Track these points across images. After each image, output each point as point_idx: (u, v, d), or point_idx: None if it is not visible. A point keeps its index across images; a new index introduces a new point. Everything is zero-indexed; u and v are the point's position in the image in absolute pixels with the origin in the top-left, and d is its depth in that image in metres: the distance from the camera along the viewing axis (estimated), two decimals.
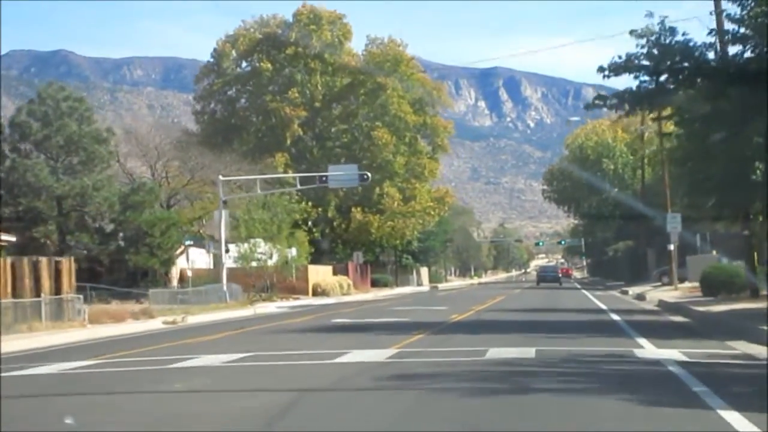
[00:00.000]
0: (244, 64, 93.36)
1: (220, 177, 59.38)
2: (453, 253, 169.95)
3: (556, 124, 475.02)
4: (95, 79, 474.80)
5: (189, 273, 64.14)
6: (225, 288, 56.84)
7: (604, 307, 42.46)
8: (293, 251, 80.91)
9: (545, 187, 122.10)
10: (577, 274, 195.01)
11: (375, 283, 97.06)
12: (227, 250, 62.81)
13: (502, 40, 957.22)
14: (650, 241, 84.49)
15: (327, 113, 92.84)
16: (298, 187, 60.80)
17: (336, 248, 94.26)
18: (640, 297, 53.97)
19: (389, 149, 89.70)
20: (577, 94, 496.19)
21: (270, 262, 68.99)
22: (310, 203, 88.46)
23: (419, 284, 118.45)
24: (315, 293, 74.89)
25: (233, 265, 71.74)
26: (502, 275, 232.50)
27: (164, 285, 66.19)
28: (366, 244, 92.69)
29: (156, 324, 38.00)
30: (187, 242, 61.99)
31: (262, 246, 69.14)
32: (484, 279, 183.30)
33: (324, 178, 57.08)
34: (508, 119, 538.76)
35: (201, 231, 74.70)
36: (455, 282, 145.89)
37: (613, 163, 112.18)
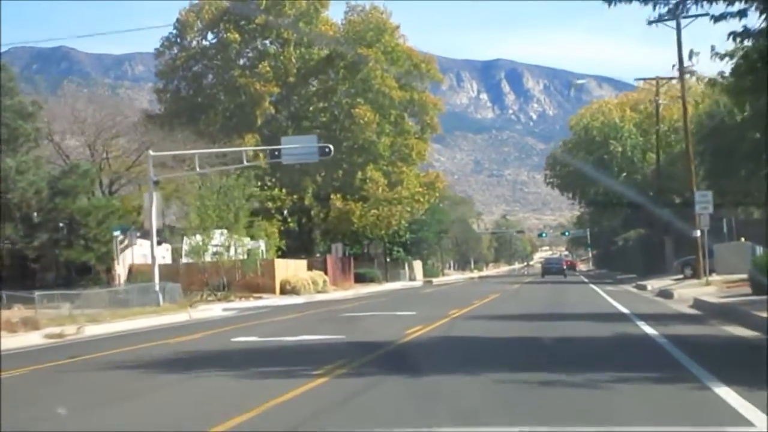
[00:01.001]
0: (209, 35, 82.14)
1: (150, 152, 48.06)
2: (452, 245, 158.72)
3: (558, 116, 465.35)
4: (96, 75, 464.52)
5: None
6: (157, 288, 45.68)
7: (624, 310, 31.29)
8: (261, 243, 70.01)
9: (548, 171, 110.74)
10: (582, 267, 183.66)
11: (360, 279, 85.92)
12: (160, 242, 51.77)
13: (504, 32, 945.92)
14: (667, 228, 73.29)
15: (302, 89, 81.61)
16: (246, 163, 48.91)
17: (315, 240, 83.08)
18: (665, 294, 42.79)
19: (372, 129, 78.56)
20: (578, 90, 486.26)
21: (227, 256, 58.01)
22: (284, 190, 77.59)
23: (412, 279, 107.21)
24: (283, 291, 63.85)
25: (186, 260, 61.19)
26: (504, 268, 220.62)
27: (107, 284, 55.45)
28: (347, 235, 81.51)
29: (34, 338, 27.47)
30: (116, 232, 50.83)
31: (218, 237, 58.18)
32: (485, 272, 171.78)
33: (276, 153, 45.65)
34: (510, 111, 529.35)
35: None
36: (453, 276, 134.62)
37: (621, 144, 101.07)
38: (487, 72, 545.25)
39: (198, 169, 46.81)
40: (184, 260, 62.04)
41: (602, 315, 28.92)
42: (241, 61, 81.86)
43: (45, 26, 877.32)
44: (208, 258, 58.14)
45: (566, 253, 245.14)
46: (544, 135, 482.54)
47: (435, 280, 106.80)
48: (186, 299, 49.82)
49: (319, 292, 66.53)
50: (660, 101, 72.74)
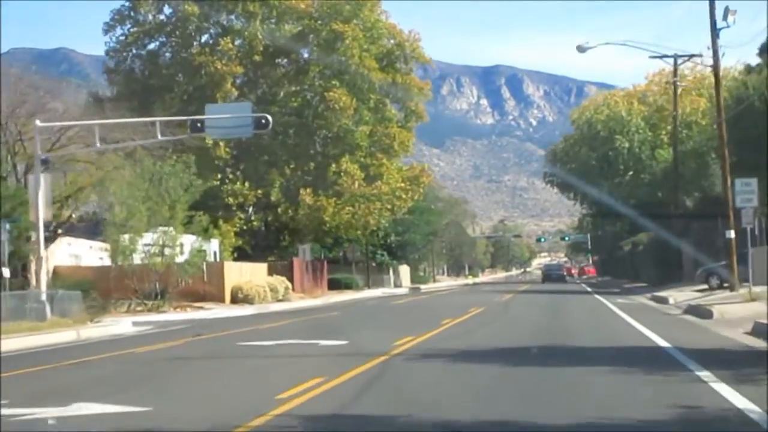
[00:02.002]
0: (166, 8, 71.16)
1: (37, 123, 36.96)
2: (446, 250, 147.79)
3: (558, 122, 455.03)
4: (96, 76, 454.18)
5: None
6: (44, 296, 34.81)
7: (659, 340, 20.54)
8: (214, 244, 59.17)
9: (547, 169, 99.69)
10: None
11: (336, 285, 75.11)
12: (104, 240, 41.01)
13: (505, 38, 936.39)
14: (685, 230, 62.63)
15: (270, 70, 70.66)
16: (160, 138, 37.60)
17: (282, 241, 72.18)
18: (698, 311, 31.89)
19: (348, 115, 67.74)
20: (579, 92, 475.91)
21: (162, 258, 47.21)
22: (247, 184, 66.79)
23: (398, 285, 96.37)
24: (235, 299, 53.10)
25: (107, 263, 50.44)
26: (500, 274, 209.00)
27: (24, 287, 44.61)
28: (319, 236, 70.58)
29: None
30: (6, 227, 39.85)
31: (155, 236, 47.47)
32: (480, 279, 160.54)
33: (198, 124, 34.72)
34: (510, 117, 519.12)
35: (73, 214, 53.10)
36: (444, 282, 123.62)
37: (628, 140, 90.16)
38: (487, 78, 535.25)
39: (98, 144, 35.67)
40: (98, 262, 51.39)
41: (630, 351, 18.27)
42: (203, 38, 71.00)
43: (45, 27, 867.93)
44: (138, 260, 47.36)
45: (565, 259, 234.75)
46: (543, 141, 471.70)
47: (424, 287, 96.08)
48: (88, 312, 39.13)
49: (279, 300, 56.02)
50: (678, 83, 61.34)
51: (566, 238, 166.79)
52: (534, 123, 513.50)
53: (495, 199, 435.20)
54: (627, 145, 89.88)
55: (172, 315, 43.50)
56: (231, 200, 66.35)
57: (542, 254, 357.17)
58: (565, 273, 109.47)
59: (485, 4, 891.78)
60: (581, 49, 45.46)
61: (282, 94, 70.63)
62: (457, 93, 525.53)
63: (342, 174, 67.56)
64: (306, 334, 23.87)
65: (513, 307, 39.93)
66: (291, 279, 64.68)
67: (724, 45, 42.40)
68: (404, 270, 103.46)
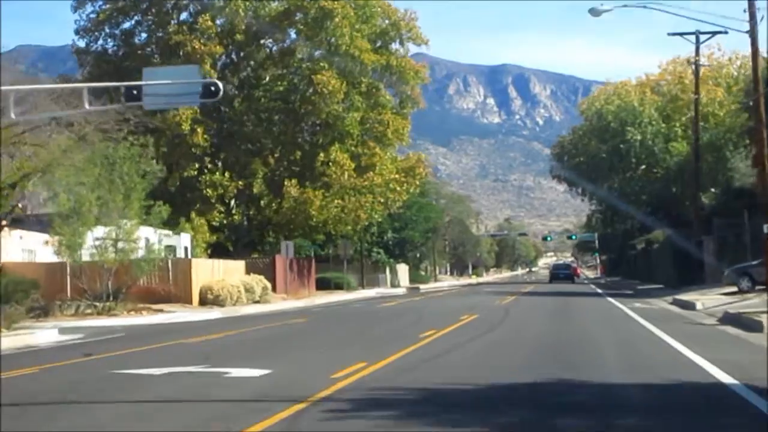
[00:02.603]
0: None
1: None
2: (449, 249, 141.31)
3: (565, 122, 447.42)
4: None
5: None
6: None
7: (717, 372, 14.09)
8: (185, 239, 52.96)
9: (554, 163, 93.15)
10: (589, 274, 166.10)
11: (326, 285, 68.85)
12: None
13: (512, 37, 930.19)
14: (706, 227, 56.32)
15: (253, 50, 64.25)
16: (88, 107, 31.04)
17: (267, 237, 65.86)
18: (746, 323, 25.46)
19: (338, 100, 61.38)
20: (586, 92, 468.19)
21: (116, 254, 40.93)
22: (227, 174, 60.54)
23: (395, 285, 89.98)
24: (204, 301, 46.84)
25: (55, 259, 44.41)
26: (506, 274, 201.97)
27: None
28: (305, 231, 64.19)
29: None
30: None
31: (104, 229, 41.25)
32: (485, 278, 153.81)
33: (135, 92, 28.38)
34: (517, 117, 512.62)
35: (19, 205, 46.74)
36: (446, 282, 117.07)
37: (641, 132, 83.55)
38: (494, 77, 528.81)
39: (13, 116, 29.27)
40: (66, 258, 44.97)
41: (682, 393, 12.01)
42: (181, 16, 64.66)
43: (51, 24, 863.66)
44: (88, 256, 41.16)
45: (572, 259, 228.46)
46: (550, 140, 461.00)
47: (423, 287, 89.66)
48: (30, 315, 33.06)
49: (256, 302, 49.77)
50: (699, 62, 54.90)
51: (573, 237, 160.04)
52: (540, 122, 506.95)
53: (501, 199, 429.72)
54: (639, 137, 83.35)
55: (124, 319, 37.36)
56: (210, 192, 60.11)
57: (548, 254, 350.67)
58: (572, 273, 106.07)
59: (492, 3, 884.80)
60: (595, 12, 39.00)
61: (266, 77, 64.23)
62: (464, 92, 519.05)
63: (331, 164, 61.26)
64: (227, 356, 17.58)
65: (514, 312, 33.47)
66: (273, 278, 58.47)
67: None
68: (402, 269, 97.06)
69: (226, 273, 50.81)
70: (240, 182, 60.98)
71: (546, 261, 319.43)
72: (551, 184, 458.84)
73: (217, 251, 61.28)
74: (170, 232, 51.49)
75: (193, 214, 55.14)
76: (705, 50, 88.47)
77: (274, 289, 58.47)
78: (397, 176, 63.74)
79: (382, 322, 29.74)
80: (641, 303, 40.56)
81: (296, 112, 62.97)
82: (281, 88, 63.34)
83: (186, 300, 45.99)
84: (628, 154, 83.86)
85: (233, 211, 62.02)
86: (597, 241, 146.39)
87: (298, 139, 64.78)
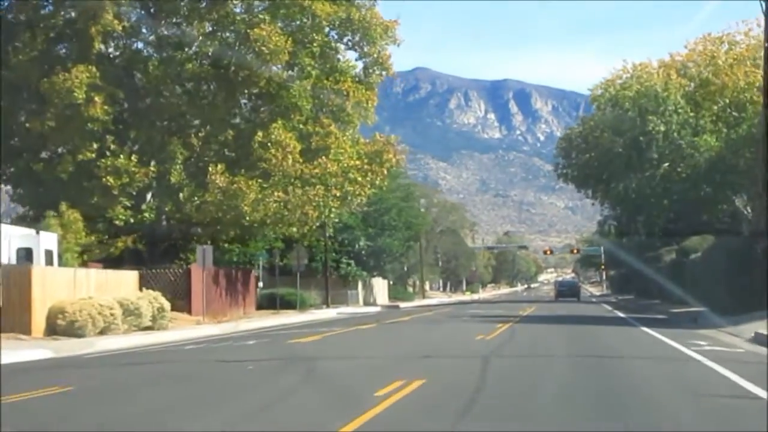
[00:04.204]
0: None
1: None
2: (440, 261, 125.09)
3: None
4: None
5: None
6: None
7: None
8: (49, 240, 37.15)
9: (560, 159, 76.92)
10: (593, 290, 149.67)
11: (273, 304, 53.05)
12: None
13: (513, 52, 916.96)
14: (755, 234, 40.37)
15: (175, 0, 48.08)
16: None
17: (194, 241, 49.61)
18: None
19: (281, 62, 45.62)
20: (588, 108, 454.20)
21: None
22: (135, 157, 44.75)
23: (369, 303, 74.00)
24: (54, 329, 30.83)
25: None
26: (504, 290, 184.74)
27: None
28: (236, 232, 48.05)
29: None
30: None
31: None
32: (481, 294, 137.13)
33: None
34: (518, 132, 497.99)
35: None
36: (435, 299, 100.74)
37: (664, 122, 67.86)
38: (495, 92, 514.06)
39: None
40: None
41: None
42: None
43: None
44: None
45: (573, 275, 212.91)
46: (551, 156, 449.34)
47: (405, 305, 73.77)
48: None
49: (146, 328, 34.10)
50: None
51: (582, 249, 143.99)
52: (542, 138, 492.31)
53: (501, 214, 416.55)
54: (662, 128, 67.60)
55: None
56: (111, 181, 44.02)
57: (548, 269, 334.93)
58: (579, 289, 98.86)
59: (494, 18, 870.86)
60: None
61: (191, 34, 48.11)
62: (465, 107, 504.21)
63: (270, 145, 45.21)
64: None
65: (498, 369, 17.29)
66: (187, 295, 42.60)
67: None
68: (380, 284, 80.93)
69: (100, 288, 34.76)
70: (152, 168, 44.96)
71: (546, 277, 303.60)
72: (552, 200, 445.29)
73: (126, 260, 45.47)
74: (34, 231, 35.94)
75: (63, 206, 39.10)
76: (742, 27, 73.03)
77: (188, 308, 42.61)
78: (358, 163, 47.71)
79: (223, 394, 13.72)
80: (706, 341, 24.57)
81: (229, 79, 46.98)
82: (211, 49, 47.18)
83: (23, 328, 30.02)
84: (648, 148, 68.11)
85: (143, 206, 45.87)
86: (603, 255, 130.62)
87: (232, 115, 48.92)
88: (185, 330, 36.30)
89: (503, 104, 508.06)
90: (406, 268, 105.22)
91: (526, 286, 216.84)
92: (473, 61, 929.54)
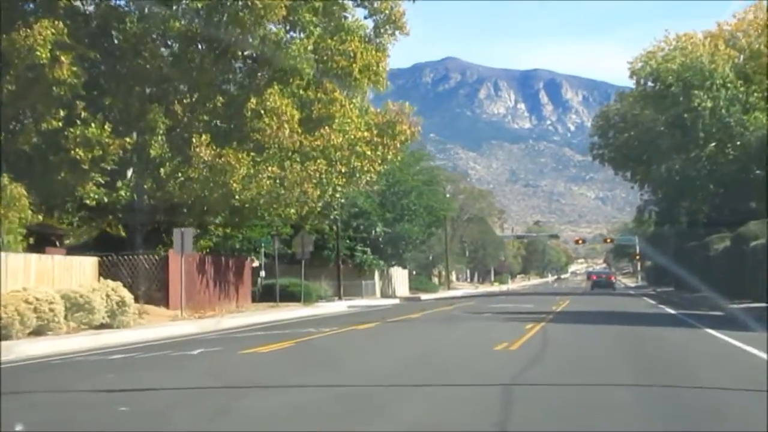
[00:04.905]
0: None
1: None
2: (466, 251, 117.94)
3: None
4: None
5: None
6: None
7: None
8: None
9: (595, 139, 69.59)
10: (627, 282, 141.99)
11: (282, 296, 46.37)
12: None
13: (544, 42, 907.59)
14: None
15: None
16: None
17: (179, 224, 42.76)
18: None
19: (278, 18, 38.78)
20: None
21: None
22: (108, 126, 38.07)
23: (387, 295, 67.23)
24: None
25: None
26: (534, 281, 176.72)
27: None
28: (225, 214, 41.24)
29: None
30: None
31: None
32: (510, 285, 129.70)
33: None
34: (548, 122, 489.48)
35: None
36: (461, 290, 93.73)
37: (711, 97, 60.77)
38: (526, 82, 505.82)
39: None
40: None
41: None
42: None
43: None
44: None
45: (604, 265, 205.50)
46: (581, 147, 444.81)
47: (427, 297, 67.05)
48: None
49: (100, 326, 27.64)
50: None
51: (615, 239, 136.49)
52: (572, 128, 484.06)
53: (531, 204, 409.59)
54: (709, 104, 60.48)
55: None
56: (81, 154, 37.26)
57: (579, 260, 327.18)
58: (612, 280, 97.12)
59: (524, 8, 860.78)
60: None
61: None
62: (495, 97, 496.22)
63: (264, 114, 38.40)
64: None
65: (528, 403, 10.44)
66: (165, 285, 35.99)
67: None
68: (399, 274, 73.97)
69: (45, 277, 28.22)
70: (128, 140, 38.16)
71: (576, 268, 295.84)
72: (582, 190, 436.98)
73: (102, 246, 39.03)
74: None
75: (5, 179, 32.42)
76: None
77: (166, 301, 35.98)
78: (367, 134, 40.82)
79: None
80: None
81: (217, 37, 40.15)
82: (199, 3, 40.31)
83: None
84: (694, 126, 60.96)
85: (119, 184, 39.13)
86: (638, 245, 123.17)
87: (224, 80, 42.19)
88: (152, 328, 29.71)
89: (533, 94, 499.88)
90: (431, 258, 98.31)
91: (556, 277, 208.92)
92: (503, 51, 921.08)
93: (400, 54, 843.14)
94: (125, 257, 36.66)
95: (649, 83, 64.36)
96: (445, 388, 12.44)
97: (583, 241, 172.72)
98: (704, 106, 60.05)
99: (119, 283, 30.20)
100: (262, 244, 50.41)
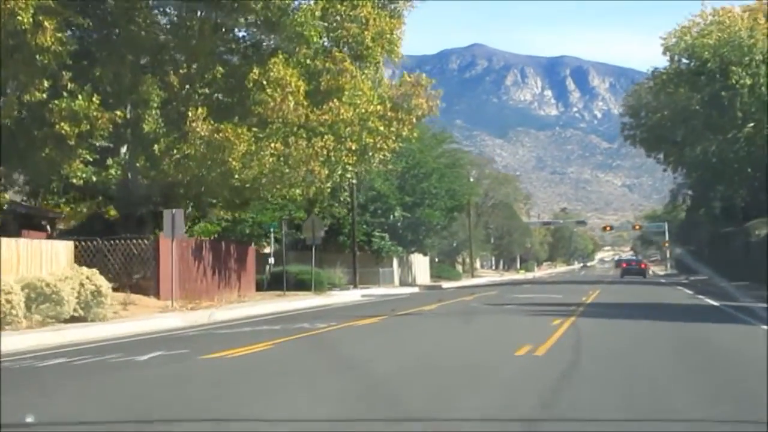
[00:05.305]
0: None
1: None
2: (491, 237, 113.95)
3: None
4: None
5: None
6: None
7: None
8: None
9: (626, 119, 65.40)
10: (656, 270, 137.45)
11: (290, 285, 42.68)
12: None
13: (570, 29, 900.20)
14: None
15: None
16: None
17: (171, 206, 39.00)
18: None
19: None
20: None
21: None
22: (97, 98, 34.32)
23: (407, 283, 63.52)
24: None
25: None
26: (560, 268, 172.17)
27: None
28: (224, 196, 37.45)
29: None
30: None
31: None
32: (536, 273, 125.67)
33: None
34: (575, 109, 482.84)
35: None
36: (485, 278, 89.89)
37: (750, 74, 56.60)
38: (552, 69, 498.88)
39: None
40: None
41: None
42: None
43: None
44: None
45: (631, 253, 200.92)
46: (608, 134, 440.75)
47: (449, 285, 63.34)
48: None
49: (71, 319, 24.19)
50: None
51: (643, 226, 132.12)
52: (599, 115, 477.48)
53: (558, 191, 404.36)
54: (748, 81, 56.28)
55: None
56: (66, 128, 33.58)
57: (605, 248, 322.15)
58: (642, 268, 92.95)
59: None
60: None
61: None
62: (522, 83, 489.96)
63: (267, 86, 34.63)
64: None
65: None
66: (156, 273, 32.42)
67: None
68: (420, 261, 70.18)
69: (5, 265, 24.65)
70: (118, 113, 34.40)
71: (602, 256, 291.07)
72: (608, 177, 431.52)
73: (93, 229, 35.59)
74: None
75: None
76: None
77: (156, 290, 32.42)
78: (380, 108, 37.00)
79: None
80: None
81: (221, 4, 36.46)
82: None
83: None
84: (731, 105, 56.74)
85: (109, 162, 35.47)
86: (667, 232, 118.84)
87: (227, 50, 38.55)
88: (132, 322, 26.23)
89: (560, 81, 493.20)
90: (455, 245, 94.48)
91: (582, 264, 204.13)
92: (530, 38, 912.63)
93: (427, 40, 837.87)
94: (112, 242, 33.08)
95: (683, 60, 60.19)
96: (443, 426, 8.68)
97: (611, 228, 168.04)
98: (742, 84, 55.95)
99: (95, 271, 26.67)
100: (271, 229, 46.69)
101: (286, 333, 20.24)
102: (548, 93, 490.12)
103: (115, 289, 32.25)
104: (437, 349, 16.44)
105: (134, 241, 33.63)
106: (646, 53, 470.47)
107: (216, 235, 47.52)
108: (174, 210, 31.83)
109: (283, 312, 32.28)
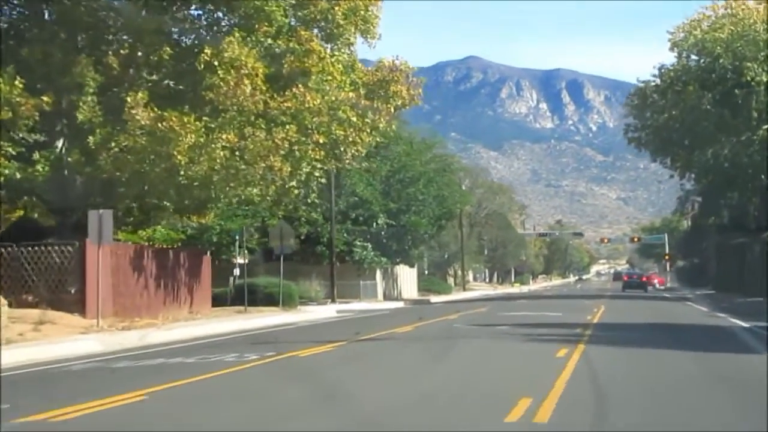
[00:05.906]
0: None
1: None
2: (485, 249, 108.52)
3: (618, 128, 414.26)
4: None
5: None
6: None
7: None
8: None
9: (630, 120, 60.08)
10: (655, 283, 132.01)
11: (241, 299, 37.13)
12: None
13: (566, 42, 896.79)
14: None
15: None
16: None
17: (108, 205, 33.32)
18: None
19: None
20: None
21: None
22: (20, 82, 28.76)
23: (393, 296, 58.14)
24: None
25: None
26: (556, 281, 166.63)
27: None
28: (171, 199, 31.83)
29: None
30: None
31: None
32: (531, 286, 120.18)
33: None
34: (570, 122, 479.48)
35: None
36: (478, 291, 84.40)
37: (766, 71, 51.42)
38: (548, 81, 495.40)
39: None
40: None
41: None
42: None
43: None
44: None
45: (627, 266, 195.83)
46: (603, 147, 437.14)
47: (438, 299, 58.02)
48: None
49: None
50: None
51: (642, 238, 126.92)
52: (594, 128, 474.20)
53: (553, 204, 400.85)
54: (764, 78, 51.17)
55: None
56: None
57: (600, 261, 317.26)
58: (643, 282, 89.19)
59: (547, 8, 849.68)
60: None
61: None
62: (517, 96, 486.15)
63: (219, 68, 29.16)
64: None
65: None
66: (82, 285, 26.95)
67: None
68: (406, 273, 64.67)
69: None
70: (45, 99, 28.89)
71: (598, 269, 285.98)
72: (603, 190, 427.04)
73: (21, 235, 30.09)
74: None
75: None
76: None
77: (82, 306, 26.97)
78: (352, 96, 31.54)
79: None
80: None
81: None
82: None
83: None
84: (746, 104, 51.51)
85: (36, 156, 29.96)
86: (667, 244, 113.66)
87: (180, 30, 33.10)
88: (35, 346, 20.81)
89: (555, 94, 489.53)
90: (446, 256, 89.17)
91: (578, 277, 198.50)
92: (525, 50, 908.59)
93: (423, 53, 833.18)
94: (30, 249, 27.61)
95: (693, 56, 54.97)
96: None
97: (608, 241, 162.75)
98: (758, 81, 50.85)
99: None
100: (236, 237, 41.29)
101: (195, 371, 14.77)
102: (543, 106, 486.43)
103: (31, 305, 26.93)
104: (381, 410, 10.84)
105: (57, 247, 28.10)
106: (641, 67, 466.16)
107: (179, 244, 42.20)
108: (101, 210, 26.40)
109: (233, 332, 26.89)
